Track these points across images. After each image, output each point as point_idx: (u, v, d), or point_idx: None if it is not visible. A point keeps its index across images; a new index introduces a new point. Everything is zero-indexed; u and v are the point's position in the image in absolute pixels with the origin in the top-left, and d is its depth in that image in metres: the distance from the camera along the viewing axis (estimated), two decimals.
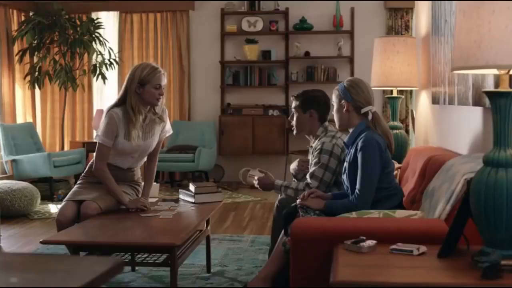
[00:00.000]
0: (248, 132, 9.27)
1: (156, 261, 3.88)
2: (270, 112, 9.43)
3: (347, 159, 3.46)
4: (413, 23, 9.09)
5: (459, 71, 2.35)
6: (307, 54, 9.41)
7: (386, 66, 5.15)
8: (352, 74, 9.33)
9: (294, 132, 4.27)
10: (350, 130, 3.52)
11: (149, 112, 4.19)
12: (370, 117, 3.46)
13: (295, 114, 4.20)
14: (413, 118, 7.69)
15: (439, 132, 4.63)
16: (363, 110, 3.47)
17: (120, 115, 4.11)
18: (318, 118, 4.15)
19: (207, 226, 4.47)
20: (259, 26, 9.47)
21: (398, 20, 9.22)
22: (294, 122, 4.22)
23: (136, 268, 4.54)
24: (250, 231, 6.15)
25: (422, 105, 5.33)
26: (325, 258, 2.75)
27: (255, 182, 4.25)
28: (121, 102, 4.16)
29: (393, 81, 5.08)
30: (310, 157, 4.19)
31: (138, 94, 4.10)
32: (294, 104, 4.23)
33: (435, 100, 4.61)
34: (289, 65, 9.51)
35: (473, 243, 2.45)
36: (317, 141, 4.13)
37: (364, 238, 2.59)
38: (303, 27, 9.36)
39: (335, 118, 3.60)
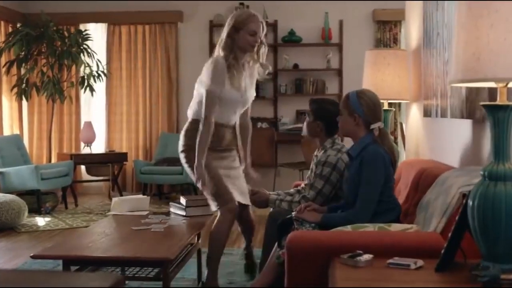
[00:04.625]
0: None
1: (148, 275, 3.83)
2: (259, 124, 9.38)
3: (349, 169, 3.44)
4: (401, 36, 9.12)
5: (457, 84, 2.33)
6: (295, 66, 9.40)
7: (377, 78, 5.14)
8: (341, 86, 9.34)
9: (302, 133, 4.28)
10: (354, 140, 3.50)
11: (249, 60, 4.12)
12: (377, 132, 3.44)
13: (307, 117, 4.19)
14: (402, 131, 7.69)
15: (431, 145, 4.63)
16: (372, 126, 3.45)
17: (223, 61, 3.99)
18: (324, 131, 4.12)
19: (198, 240, 4.43)
20: None
21: (386, 33, 9.24)
22: (304, 124, 4.21)
23: (126, 282, 4.49)
24: (241, 244, 6.10)
25: (413, 117, 5.32)
26: (321, 272, 2.72)
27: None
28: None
29: (384, 94, 5.06)
30: (312, 164, 4.17)
31: (230, 38, 4.02)
32: (309, 108, 4.19)
33: (426, 113, 4.61)
34: (277, 77, 9.49)
35: (468, 256, 2.43)
36: (322, 152, 4.10)
37: (361, 252, 2.56)
38: (292, 40, 9.36)
39: (340, 126, 3.55)
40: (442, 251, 2.39)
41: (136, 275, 3.96)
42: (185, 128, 4.22)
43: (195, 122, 4.13)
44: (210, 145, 4.03)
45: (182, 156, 4.20)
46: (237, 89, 4.03)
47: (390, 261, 2.49)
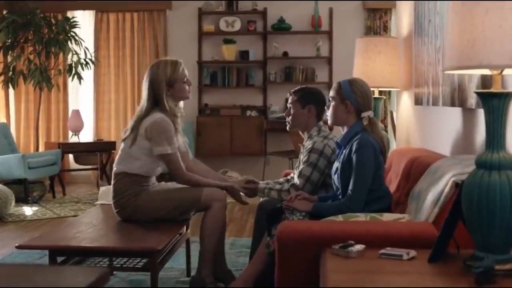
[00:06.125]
0: (226, 133, 9.16)
1: (136, 266, 3.78)
2: (248, 112, 9.35)
3: (339, 159, 3.40)
4: (391, 23, 9.08)
5: (451, 71, 2.29)
6: (285, 54, 9.34)
7: (368, 66, 5.10)
8: (330, 74, 9.30)
9: (288, 127, 4.20)
10: (343, 129, 3.46)
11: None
12: (367, 121, 3.40)
13: (292, 109, 4.13)
14: (392, 120, 7.66)
15: (422, 133, 4.59)
16: (363, 115, 3.41)
17: (170, 121, 3.86)
18: (315, 114, 4.09)
19: (187, 229, 4.39)
20: (237, 26, 9.39)
21: (376, 20, 9.19)
22: (290, 117, 4.15)
23: (114, 272, 4.44)
24: (230, 233, 6.06)
25: (404, 106, 5.29)
26: (313, 263, 2.69)
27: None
28: (151, 107, 3.89)
29: (375, 82, 5.02)
30: (300, 155, 4.14)
31: (169, 96, 3.89)
32: (291, 99, 4.15)
33: (418, 101, 4.57)
34: (267, 65, 9.44)
35: (461, 246, 2.40)
36: (309, 140, 4.07)
37: (353, 242, 2.52)
38: (281, 27, 9.30)
39: (330, 114, 3.51)
40: (435, 242, 2.36)
41: (124, 266, 3.90)
42: (114, 187, 3.91)
43: (124, 176, 3.90)
44: (138, 183, 3.89)
45: (117, 214, 3.93)
46: (179, 147, 3.98)
47: (382, 251, 2.45)
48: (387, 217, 3.01)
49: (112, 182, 3.95)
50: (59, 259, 3.53)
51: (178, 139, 3.95)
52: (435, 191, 2.96)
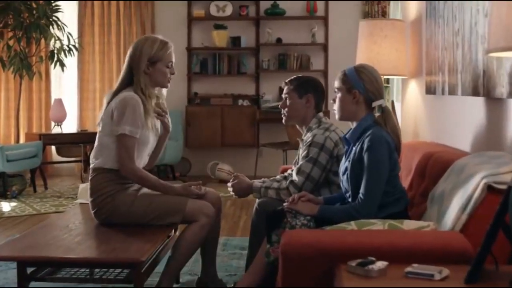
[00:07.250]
0: (216, 123, 8.80)
1: (118, 277, 3.34)
2: (240, 102, 8.99)
3: (350, 158, 2.97)
4: (390, 9, 8.68)
5: (499, 53, 1.88)
6: (279, 40, 8.99)
7: (372, 51, 4.68)
8: (326, 62, 8.96)
9: (284, 120, 3.79)
10: (352, 124, 3.04)
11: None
12: (378, 112, 2.98)
13: (288, 99, 3.73)
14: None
15: (434, 125, 4.19)
16: (374, 104, 2.99)
17: (139, 100, 3.40)
18: (314, 105, 3.70)
19: (175, 232, 3.98)
20: (228, 10, 9.01)
21: (374, 6, 8.78)
22: (286, 109, 3.74)
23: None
24: (221, 232, 5.61)
25: (411, 95, 4.88)
26: (322, 280, 2.29)
27: (230, 190, 3.77)
28: (125, 86, 3.47)
29: (381, 69, 4.52)
30: (300, 151, 3.72)
31: (147, 74, 3.46)
32: (287, 89, 3.76)
33: (430, 90, 4.15)
34: (260, 52, 9.10)
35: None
36: (308, 133, 3.66)
37: (373, 259, 2.11)
38: (275, 12, 8.93)
39: (337, 107, 3.08)
40: (475, 258, 1.96)
41: (103, 277, 3.45)
42: (91, 184, 3.50)
43: (101, 171, 3.49)
44: (116, 181, 3.44)
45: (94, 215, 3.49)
46: (153, 131, 3.51)
47: (409, 269, 2.05)
48: (408, 225, 2.59)
49: (89, 178, 3.53)
50: (29, 270, 3.10)
51: (149, 128, 3.46)
52: (462, 194, 2.56)
